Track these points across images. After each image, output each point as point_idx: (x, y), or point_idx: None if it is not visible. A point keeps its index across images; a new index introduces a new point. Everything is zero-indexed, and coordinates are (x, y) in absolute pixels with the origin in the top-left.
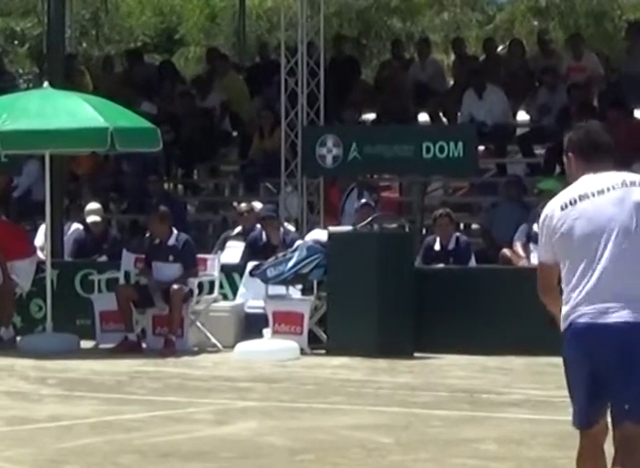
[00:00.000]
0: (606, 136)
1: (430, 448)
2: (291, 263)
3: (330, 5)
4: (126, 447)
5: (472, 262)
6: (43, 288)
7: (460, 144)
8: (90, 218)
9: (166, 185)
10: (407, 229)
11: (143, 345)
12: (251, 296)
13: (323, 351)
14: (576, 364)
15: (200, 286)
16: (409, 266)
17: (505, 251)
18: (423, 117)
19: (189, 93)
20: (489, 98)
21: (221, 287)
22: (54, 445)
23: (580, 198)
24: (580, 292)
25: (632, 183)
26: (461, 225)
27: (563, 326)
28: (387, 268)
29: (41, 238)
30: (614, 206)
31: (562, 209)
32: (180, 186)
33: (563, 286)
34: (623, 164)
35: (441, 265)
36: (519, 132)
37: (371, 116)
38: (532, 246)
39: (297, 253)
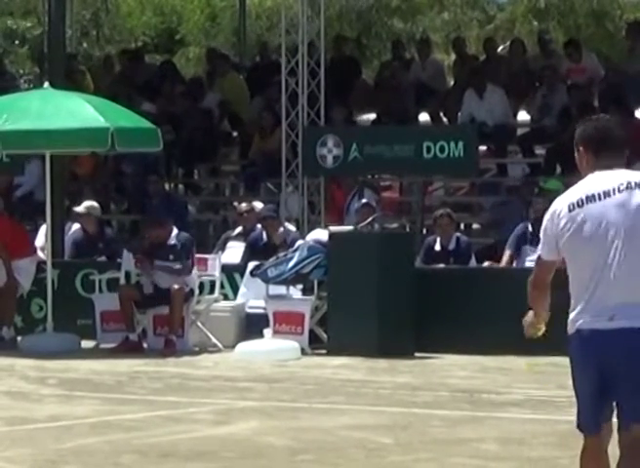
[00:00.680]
0: (617, 131)
1: (430, 447)
2: (291, 263)
3: (330, 5)
4: (126, 447)
5: (473, 262)
6: (44, 287)
7: (461, 144)
8: (77, 209)
9: (167, 185)
10: (407, 229)
11: (144, 345)
12: (251, 296)
13: (324, 351)
14: (582, 369)
15: (201, 286)
16: (409, 266)
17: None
18: (424, 117)
19: (190, 93)
20: (489, 98)
21: (222, 287)
22: (54, 445)
23: (587, 200)
24: (587, 297)
25: (637, 185)
26: (462, 225)
27: (570, 330)
28: (388, 268)
29: (42, 238)
30: (618, 209)
31: (570, 210)
32: (180, 186)
33: (570, 290)
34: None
35: (441, 265)
36: (519, 132)
37: (371, 116)
38: (528, 248)
39: (297, 253)
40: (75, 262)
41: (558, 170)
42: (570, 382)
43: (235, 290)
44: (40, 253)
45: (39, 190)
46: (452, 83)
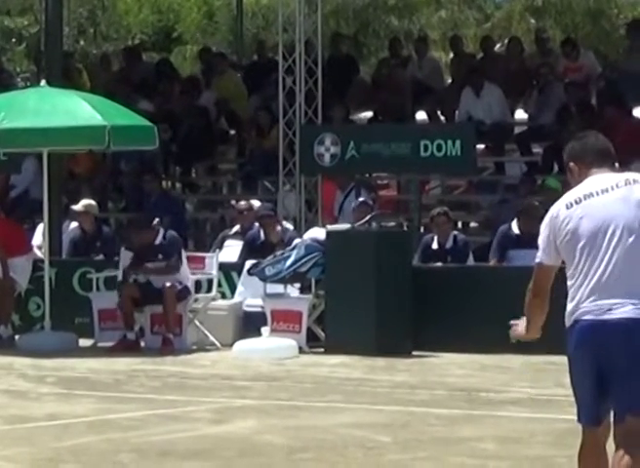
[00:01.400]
0: (604, 142)
1: (428, 446)
2: (289, 262)
3: (327, 3)
4: (124, 445)
5: (470, 261)
6: (41, 286)
7: (459, 143)
8: (74, 207)
9: (164, 184)
10: (405, 228)
11: (142, 344)
12: (249, 295)
13: (321, 349)
14: (580, 360)
15: (198, 284)
16: (407, 265)
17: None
18: (421, 115)
19: (187, 91)
20: (487, 97)
21: (220, 285)
22: (52, 443)
23: (585, 197)
24: (585, 288)
25: (635, 182)
26: (459, 224)
27: (568, 322)
28: (385, 267)
29: (39, 237)
30: (618, 204)
31: (567, 207)
32: (177, 185)
33: (568, 283)
34: (623, 163)
35: (439, 264)
36: (517, 130)
37: (368, 114)
38: (514, 252)
39: (295, 252)
40: (73, 261)
41: (556, 168)
42: (568, 381)
43: (233, 288)
44: (37, 252)
45: (34, 188)
46: (449, 81)
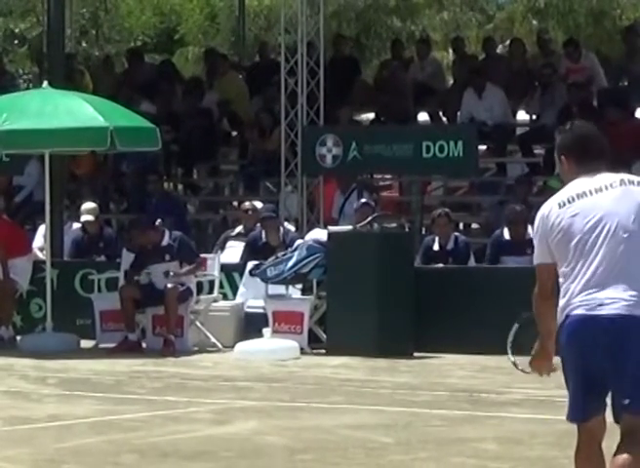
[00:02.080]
0: (596, 137)
1: (430, 447)
2: (291, 263)
3: (329, 4)
4: (125, 446)
5: (471, 262)
6: (43, 287)
7: (460, 144)
8: (84, 217)
9: (166, 185)
10: (406, 229)
11: (143, 345)
12: (251, 296)
13: (323, 350)
14: (571, 356)
15: (200, 285)
16: (408, 266)
17: None
18: (423, 116)
19: (189, 92)
20: (489, 98)
21: (221, 286)
22: (53, 444)
23: (579, 196)
24: (577, 284)
25: (631, 182)
26: (461, 225)
27: (560, 318)
28: (387, 268)
29: (40, 238)
30: (612, 202)
31: (560, 206)
32: (179, 186)
33: (560, 280)
34: (623, 164)
35: (440, 265)
36: (519, 131)
37: (370, 115)
38: (507, 259)
39: (296, 253)
40: (74, 262)
41: (557, 169)
42: None
43: (234, 289)
44: (39, 253)
45: (38, 190)
46: (451, 82)
